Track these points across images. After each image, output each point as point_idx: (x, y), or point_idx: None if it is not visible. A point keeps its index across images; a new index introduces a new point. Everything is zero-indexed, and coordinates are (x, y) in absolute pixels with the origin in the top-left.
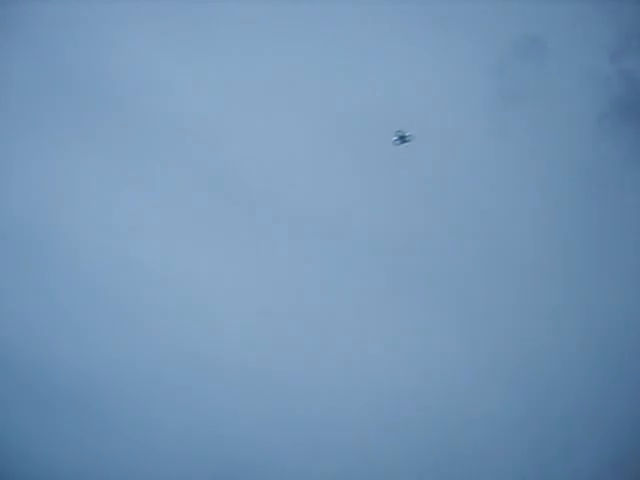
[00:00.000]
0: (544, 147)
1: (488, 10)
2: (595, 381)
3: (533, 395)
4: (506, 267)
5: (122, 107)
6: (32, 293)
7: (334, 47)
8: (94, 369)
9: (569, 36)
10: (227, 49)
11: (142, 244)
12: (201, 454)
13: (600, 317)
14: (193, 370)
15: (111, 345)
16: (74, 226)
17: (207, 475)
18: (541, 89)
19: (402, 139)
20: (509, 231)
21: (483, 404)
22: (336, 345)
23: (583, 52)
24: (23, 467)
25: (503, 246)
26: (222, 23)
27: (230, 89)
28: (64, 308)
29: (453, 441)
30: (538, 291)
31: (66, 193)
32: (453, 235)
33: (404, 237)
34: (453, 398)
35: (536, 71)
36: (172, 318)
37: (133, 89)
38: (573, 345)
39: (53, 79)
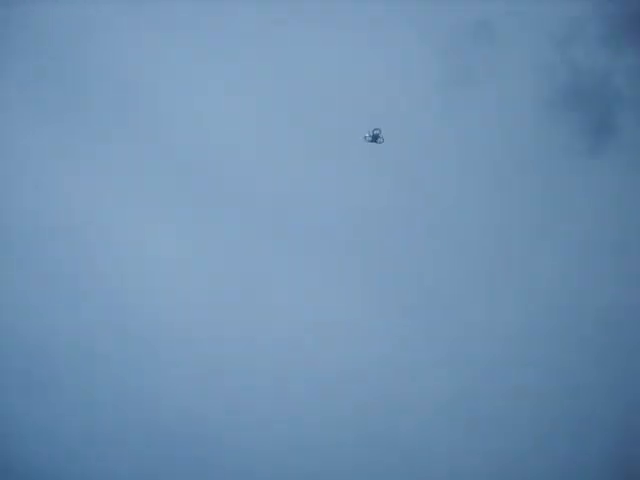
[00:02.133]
0: (490, 131)
1: None
2: (536, 360)
3: (471, 376)
4: (450, 246)
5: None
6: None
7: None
8: (45, 338)
9: (518, 22)
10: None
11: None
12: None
13: (537, 297)
14: (136, 344)
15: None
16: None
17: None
18: (489, 74)
19: (374, 138)
20: (454, 211)
21: (421, 385)
22: (285, 325)
23: (531, 39)
24: None
25: (448, 225)
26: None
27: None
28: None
29: (390, 419)
30: (477, 269)
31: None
32: (399, 212)
33: (352, 215)
34: (393, 377)
35: (484, 56)
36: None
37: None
38: (511, 325)
39: (53, 77)
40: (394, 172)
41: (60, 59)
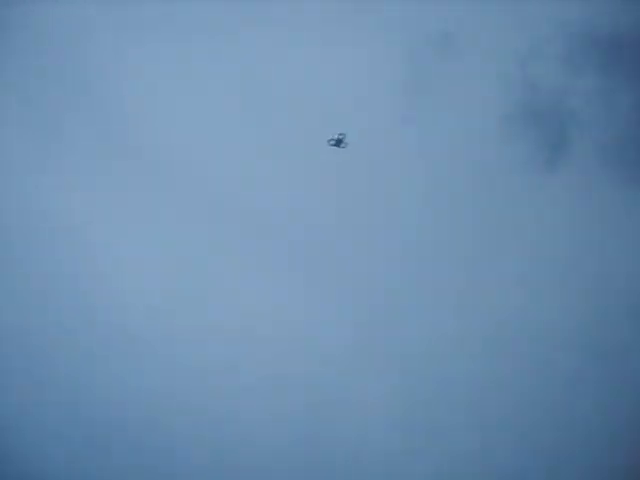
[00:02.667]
0: (448, 141)
1: (405, 4)
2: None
3: (410, 376)
4: (404, 255)
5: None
6: None
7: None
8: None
9: (483, 36)
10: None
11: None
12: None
13: (482, 309)
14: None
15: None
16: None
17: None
18: (451, 85)
19: (338, 142)
20: (406, 219)
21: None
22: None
23: (495, 54)
24: None
25: (401, 233)
26: None
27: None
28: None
29: (329, 419)
30: (422, 275)
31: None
32: (351, 217)
33: (304, 216)
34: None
35: (447, 67)
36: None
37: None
38: (460, 332)
39: (52, 78)
40: (354, 173)
41: (60, 60)
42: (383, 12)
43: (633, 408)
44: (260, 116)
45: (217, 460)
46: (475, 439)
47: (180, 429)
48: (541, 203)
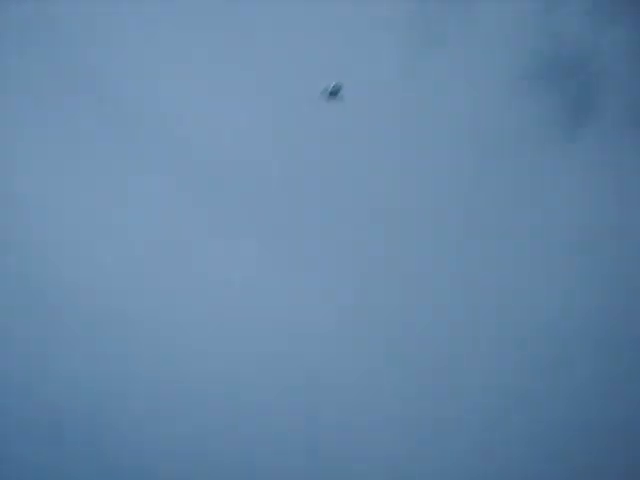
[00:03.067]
0: (459, 97)
1: None
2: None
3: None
4: (396, 229)
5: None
6: None
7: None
8: None
9: None
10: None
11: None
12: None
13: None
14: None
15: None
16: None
17: None
18: (461, 38)
19: (333, 94)
20: (402, 188)
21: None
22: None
23: (511, 5)
24: None
25: (395, 205)
26: None
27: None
28: None
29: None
30: (416, 253)
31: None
32: (342, 186)
33: (295, 178)
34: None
35: (458, 18)
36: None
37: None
38: (451, 314)
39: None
40: (352, 134)
41: (73, 59)
42: None
43: None
44: (252, 72)
45: (201, 444)
46: (456, 420)
47: (166, 413)
48: (560, 175)
